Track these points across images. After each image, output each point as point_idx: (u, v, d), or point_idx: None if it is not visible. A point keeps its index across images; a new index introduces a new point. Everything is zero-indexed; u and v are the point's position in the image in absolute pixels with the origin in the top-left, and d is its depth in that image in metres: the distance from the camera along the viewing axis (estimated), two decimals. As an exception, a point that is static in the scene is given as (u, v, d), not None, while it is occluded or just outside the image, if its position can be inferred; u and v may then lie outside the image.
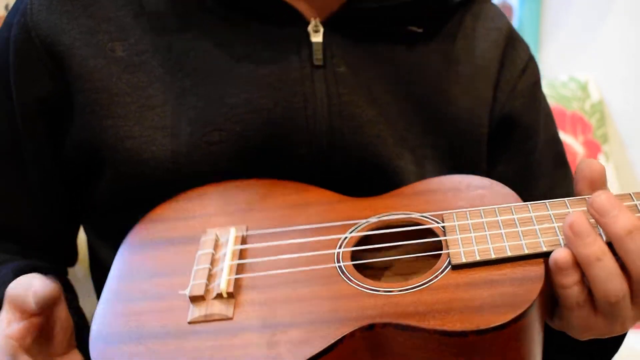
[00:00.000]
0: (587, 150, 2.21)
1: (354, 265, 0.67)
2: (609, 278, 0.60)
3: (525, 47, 0.88)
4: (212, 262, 0.68)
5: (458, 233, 0.65)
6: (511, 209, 0.66)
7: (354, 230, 0.69)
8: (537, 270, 0.62)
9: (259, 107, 0.76)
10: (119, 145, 0.76)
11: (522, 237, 0.63)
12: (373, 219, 0.70)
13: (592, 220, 0.62)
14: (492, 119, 0.84)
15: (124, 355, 0.63)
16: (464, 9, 0.85)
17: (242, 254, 0.69)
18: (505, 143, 0.86)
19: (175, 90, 0.76)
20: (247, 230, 0.71)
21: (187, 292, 0.66)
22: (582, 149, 2.20)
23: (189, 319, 0.64)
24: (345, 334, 0.60)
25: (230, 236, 0.70)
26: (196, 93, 0.76)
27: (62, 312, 0.66)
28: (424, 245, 0.68)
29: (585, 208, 0.64)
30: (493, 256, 0.63)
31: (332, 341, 0.60)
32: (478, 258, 0.63)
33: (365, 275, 0.66)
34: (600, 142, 2.23)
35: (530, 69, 0.88)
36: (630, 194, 0.65)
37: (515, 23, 2.33)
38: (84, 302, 0.84)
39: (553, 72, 2.31)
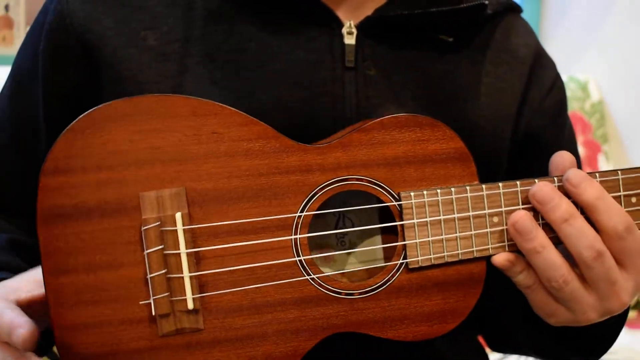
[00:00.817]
0: (587, 150, 2.21)
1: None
2: (550, 267, 0.67)
3: (553, 65, 0.90)
4: (167, 264, 0.65)
5: (416, 231, 0.69)
6: (466, 189, 0.70)
7: (307, 204, 0.68)
8: (479, 271, 0.71)
9: (287, 105, 0.76)
10: None
11: (474, 244, 0.70)
12: (325, 188, 0.68)
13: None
14: (515, 133, 0.85)
15: None
16: (495, 22, 0.86)
17: (197, 258, 0.66)
18: (527, 158, 0.87)
19: (205, 82, 0.76)
20: (187, 200, 0.66)
21: (152, 310, 0.65)
22: (582, 149, 2.20)
23: (160, 333, 0.65)
24: (315, 344, 0.67)
25: (179, 228, 0.65)
26: (226, 86, 0.76)
27: None
28: (376, 215, 0.72)
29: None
30: (446, 260, 0.69)
31: (304, 353, 0.66)
32: (433, 262, 0.69)
33: (322, 246, 0.68)
34: (600, 142, 2.23)
35: (557, 88, 0.89)
36: (617, 171, 0.72)
37: (515, 23, 2.33)
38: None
39: (553, 72, 2.31)
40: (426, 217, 0.69)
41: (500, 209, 0.70)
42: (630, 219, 0.68)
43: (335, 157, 0.68)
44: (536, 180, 0.69)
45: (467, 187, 0.70)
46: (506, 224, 0.69)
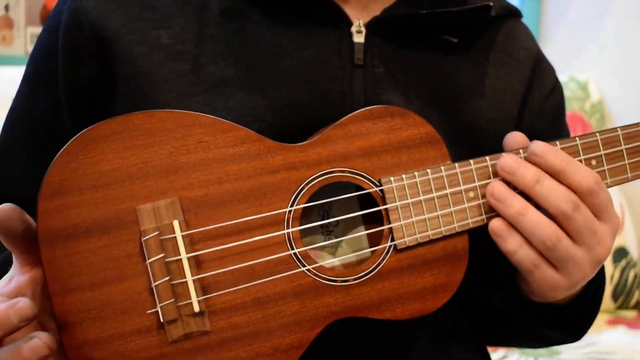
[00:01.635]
0: (587, 150, 2.21)
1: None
2: (538, 226, 0.71)
3: (552, 70, 0.94)
4: (169, 271, 0.67)
5: (400, 213, 0.72)
6: (441, 169, 0.74)
7: (296, 199, 0.71)
8: (463, 245, 0.75)
9: (298, 102, 0.78)
10: None
11: (455, 220, 0.74)
12: (311, 182, 0.71)
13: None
14: None
15: None
16: (497, 25, 0.89)
17: (198, 262, 0.68)
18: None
19: (218, 80, 0.77)
20: (182, 208, 0.67)
21: (160, 317, 0.66)
22: (582, 149, 2.20)
23: (170, 340, 0.67)
24: (319, 332, 0.70)
25: (177, 235, 0.67)
26: (238, 83, 0.77)
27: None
28: (358, 207, 0.76)
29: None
30: (431, 237, 0.73)
31: (309, 342, 0.70)
32: (419, 241, 0.73)
33: (315, 234, 0.71)
34: (600, 142, 2.24)
35: (556, 91, 0.92)
36: (575, 137, 0.77)
37: (515, 23, 2.33)
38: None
39: (553, 72, 2.31)
40: (407, 199, 0.73)
41: (474, 184, 0.74)
42: (597, 174, 0.73)
43: (316, 152, 0.71)
44: (503, 155, 0.74)
45: (442, 167, 0.74)
46: (482, 198, 0.74)
